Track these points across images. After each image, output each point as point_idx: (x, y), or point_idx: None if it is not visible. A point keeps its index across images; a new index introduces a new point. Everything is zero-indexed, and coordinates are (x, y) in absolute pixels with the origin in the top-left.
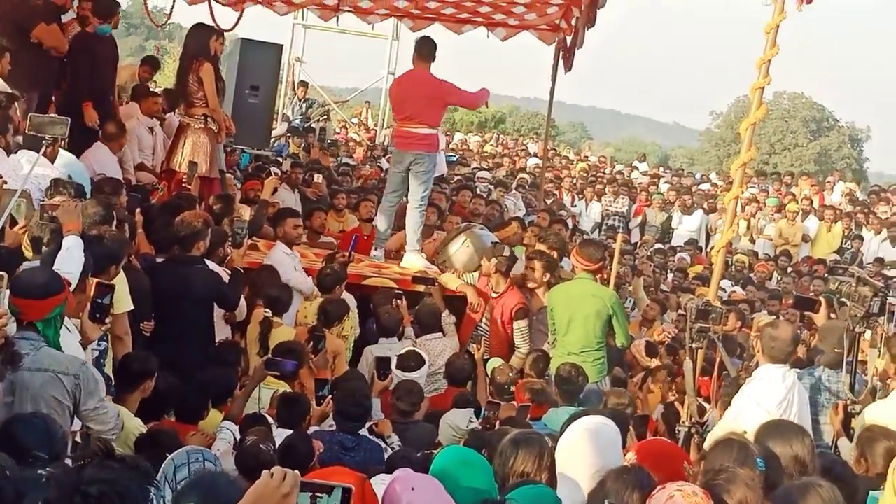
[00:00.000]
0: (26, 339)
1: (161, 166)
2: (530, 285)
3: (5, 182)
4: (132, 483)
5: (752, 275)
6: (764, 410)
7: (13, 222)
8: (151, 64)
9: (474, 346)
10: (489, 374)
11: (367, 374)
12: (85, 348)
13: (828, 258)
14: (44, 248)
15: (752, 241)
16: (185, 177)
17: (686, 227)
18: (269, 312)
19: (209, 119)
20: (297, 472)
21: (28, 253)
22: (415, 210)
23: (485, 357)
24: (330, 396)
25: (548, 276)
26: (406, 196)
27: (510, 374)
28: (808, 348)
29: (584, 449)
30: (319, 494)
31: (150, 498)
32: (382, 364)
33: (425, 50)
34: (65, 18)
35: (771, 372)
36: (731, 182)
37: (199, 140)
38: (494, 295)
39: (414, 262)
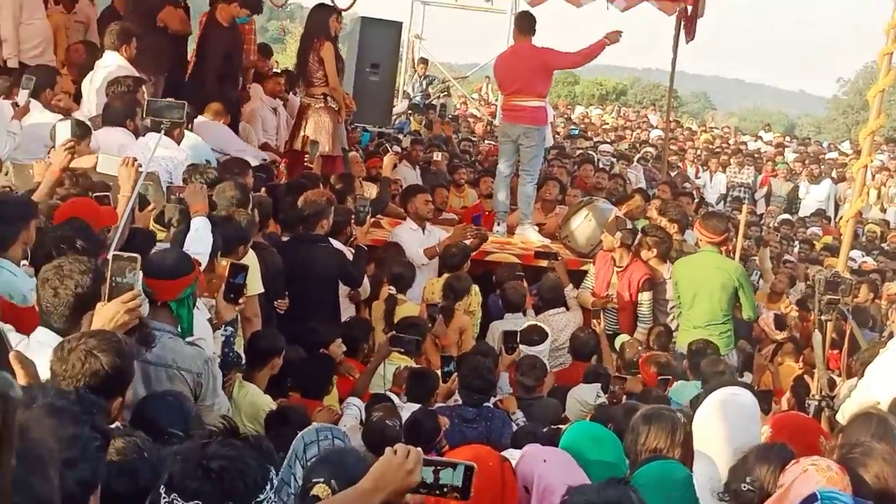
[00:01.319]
0: (153, 328)
1: (284, 146)
2: (645, 257)
3: (140, 164)
4: (253, 461)
5: (884, 244)
6: (893, 380)
7: (143, 204)
8: (264, 52)
9: (595, 320)
10: (618, 348)
11: (495, 348)
12: (217, 328)
13: None
14: (172, 229)
15: (883, 210)
16: (307, 156)
17: (814, 196)
18: (393, 289)
19: (329, 98)
20: (419, 449)
21: (161, 234)
22: (526, 185)
23: (608, 332)
24: (456, 373)
25: (656, 251)
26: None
27: (639, 349)
28: None
29: (721, 423)
30: (442, 469)
31: (269, 477)
32: (510, 338)
33: (525, 24)
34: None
35: None
36: (859, 150)
37: (321, 119)
38: (619, 269)
39: (528, 235)
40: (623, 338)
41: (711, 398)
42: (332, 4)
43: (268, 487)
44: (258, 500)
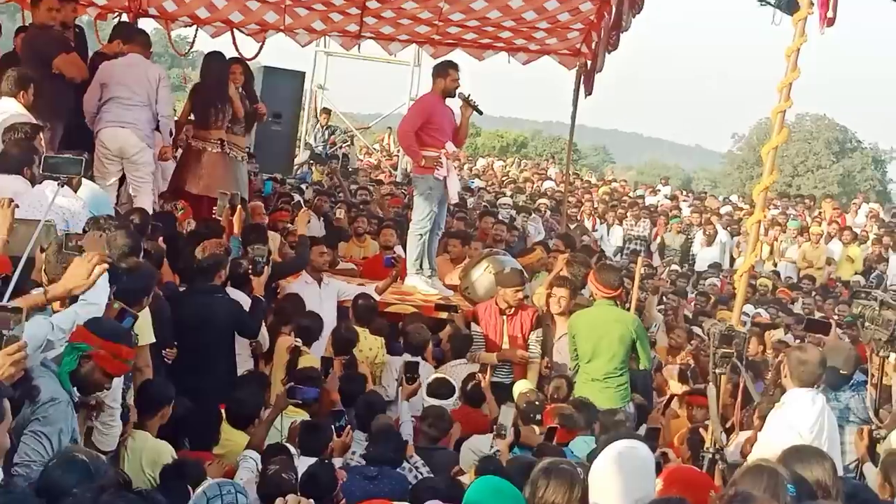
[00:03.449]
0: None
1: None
2: (554, 311)
3: (16, 204)
4: None
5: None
6: (797, 434)
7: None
8: None
9: (481, 374)
10: (515, 397)
11: (394, 382)
12: None
13: (851, 279)
14: None
15: (775, 265)
16: (215, 208)
17: (708, 252)
18: (299, 341)
19: (226, 143)
20: (311, 500)
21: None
22: (410, 234)
23: (504, 382)
24: (348, 427)
25: (571, 303)
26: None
27: (536, 399)
28: None
29: (618, 476)
30: None
31: None
32: (410, 367)
33: (432, 73)
34: None
35: (801, 396)
36: (753, 205)
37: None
38: (509, 314)
39: (415, 284)
40: (522, 384)
41: (608, 450)
42: (230, 56)
43: None
44: None
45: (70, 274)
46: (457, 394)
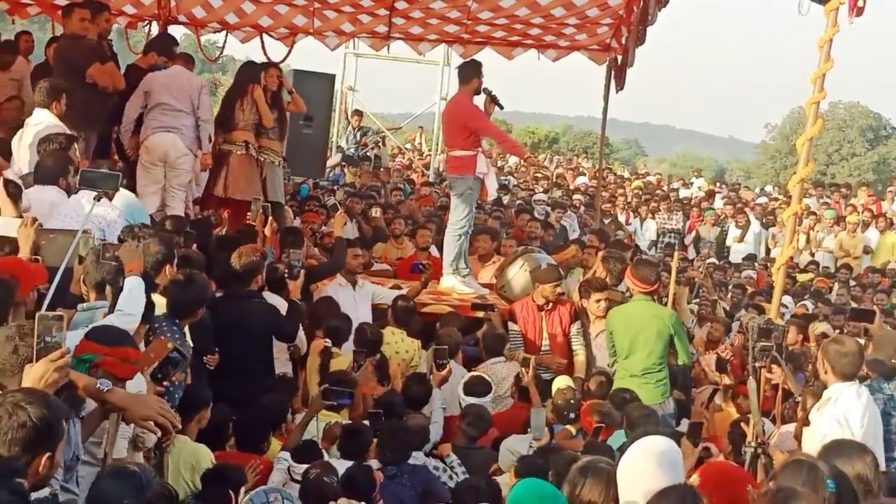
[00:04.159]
0: None
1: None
2: (598, 314)
3: (40, 223)
4: None
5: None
6: (847, 429)
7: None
8: None
9: (525, 369)
10: (553, 393)
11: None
12: None
13: (886, 267)
14: (108, 288)
15: (812, 255)
16: (249, 213)
17: (743, 245)
18: (328, 343)
19: (251, 146)
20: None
21: (92, 295)
22: (448, 234)
23: (545, 377)
24: None
25: (604, 305)
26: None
27: (572, 397)
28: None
29: (644, 471)
30: None
31: None
32: (439, 354)
33: (461, 73)
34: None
35: (846, 390)
36: (788, 196)
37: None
38: (547, 310)
39: (452, 284)
40: (560, 381)
41: (634, 447)
42: (266, 61)
43: None
44: None
45: (142, 400)
46: (493, 391)
